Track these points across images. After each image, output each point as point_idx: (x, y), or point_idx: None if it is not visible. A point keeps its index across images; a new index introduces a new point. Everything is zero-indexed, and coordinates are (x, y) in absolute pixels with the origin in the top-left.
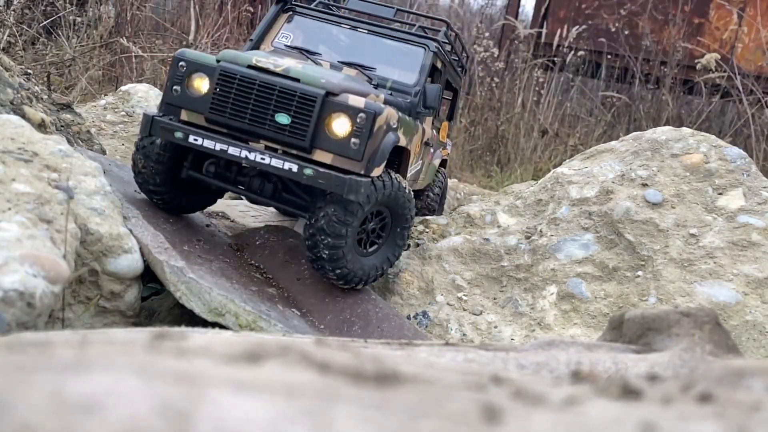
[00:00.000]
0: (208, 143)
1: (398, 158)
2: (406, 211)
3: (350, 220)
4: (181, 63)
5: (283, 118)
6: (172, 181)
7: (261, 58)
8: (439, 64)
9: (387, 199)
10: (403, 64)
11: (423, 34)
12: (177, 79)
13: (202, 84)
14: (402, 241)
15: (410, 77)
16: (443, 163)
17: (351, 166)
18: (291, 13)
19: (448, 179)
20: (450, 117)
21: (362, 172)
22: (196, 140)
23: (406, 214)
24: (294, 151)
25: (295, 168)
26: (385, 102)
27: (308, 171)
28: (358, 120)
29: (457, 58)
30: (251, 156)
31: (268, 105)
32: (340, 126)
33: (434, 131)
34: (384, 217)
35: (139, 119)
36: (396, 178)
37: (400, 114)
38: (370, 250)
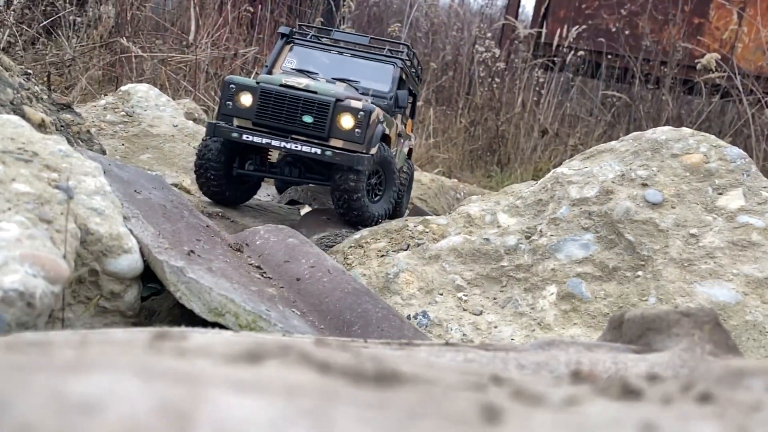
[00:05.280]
0: (256, 138)
1: (385, 143)
2: (393, 167)
3: (361, 178)
4: (231, 85)
5: (308, 119)
6: (227, 178)
7: (287, 79)
8: (403, 76)
9: (381, 161)
10: (379, 77)
11: (390, 54)
12: (229, 96)
13: (248, 99)
14: (394, 189)
15: (385, 86)
16: (409, 153)
17: (356, 148)
18: (292, 44)
19: (447, 177)
20: (412, 115)
21: (364, 152)
22: (247, 137)
23: (394, 170)
24: (316, 141)
25: (318, 151)
26: (372, 104)
27: (328, 152)
28: (359, 116)
29: (414, 71)
30: (288, 145)
31: (297, 110)
32: (347, 121)
33: (403, 126)
34: (380, 175)
35: (140, 119)
36: (385, 147)
37: (383, 112)
38: (376, 199)
